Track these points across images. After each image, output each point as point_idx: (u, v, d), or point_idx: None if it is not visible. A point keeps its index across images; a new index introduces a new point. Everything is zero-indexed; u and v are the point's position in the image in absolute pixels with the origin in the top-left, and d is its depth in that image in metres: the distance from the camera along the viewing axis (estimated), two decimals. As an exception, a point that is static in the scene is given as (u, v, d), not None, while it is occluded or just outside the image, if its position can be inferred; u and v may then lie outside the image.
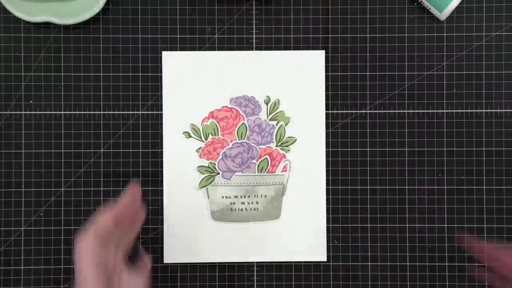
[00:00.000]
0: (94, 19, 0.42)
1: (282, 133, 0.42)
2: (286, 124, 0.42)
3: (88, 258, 0.34)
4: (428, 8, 0.42)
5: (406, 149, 0.43)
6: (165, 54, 0.42)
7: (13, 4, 0.41)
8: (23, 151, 0.43)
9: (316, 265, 0.43)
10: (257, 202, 0.43)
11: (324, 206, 0.43)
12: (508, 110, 0.44)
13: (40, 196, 0.43)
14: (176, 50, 0.42)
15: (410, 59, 0.43)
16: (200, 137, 0.42)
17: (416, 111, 0.44)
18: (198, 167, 0.42)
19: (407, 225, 0.43)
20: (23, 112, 0.43)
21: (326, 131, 0.42)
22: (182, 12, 0.43)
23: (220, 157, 0.42)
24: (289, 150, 0.43)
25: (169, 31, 0.43)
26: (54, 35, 0.43)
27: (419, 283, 0.43)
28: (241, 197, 0.43)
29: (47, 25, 0.42)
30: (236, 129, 0.42)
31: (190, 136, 0.42)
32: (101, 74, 0.43)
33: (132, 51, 0.43)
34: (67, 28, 0.43)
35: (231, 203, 0.43)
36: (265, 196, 0.43)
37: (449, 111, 0.44)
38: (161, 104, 0.43)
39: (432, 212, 0.43)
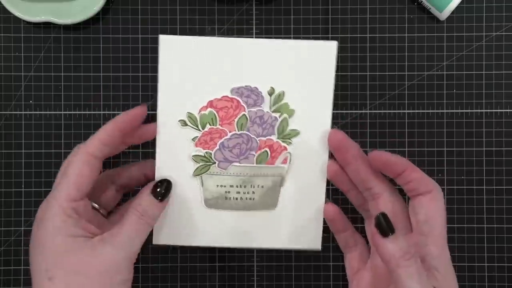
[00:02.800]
0: (94, 19, 0.42)
1: (285, 126, 0.40)
2: (289, 117, 0.40)
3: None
4: (428, 8, 0.42)
5: (406, 149, 0.43)
6: (162, 38, 0.39)
7: (13, 4, 0.41)
8: (23, 151, 0.43)
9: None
10: (253, 192, 0.41)
11: (323, 197, 0.41)
12: (508, 110, 0.44)
13: (40, 196, 0.43)
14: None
15: (410, 59, 0.43)
16: (197, 126, 0.40)
17: (416, 111, 0.44)
18: (193, 156, 0.40)
19: (407, 225, 0.43)
20: (23, 112, 0.43)
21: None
22: (182, 12, 0.43)
23: (217, 147, 0.40)
24: (290, 142, 0.40)
25: (169, 31, 0.43)
26: (54, 35, 0.43)
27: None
28: (237, 186, 0.41)
29: (47, 25, 0.42)
30: (236, 120, 0.40)
31: (186, 125, 0.40)
32: (101, 74, 0.43)
33: (132, 51, 0.43)
34: (67, 28, 0.43)
35: (226, 192, 0.41)
36: (262, 186, 0.41)
37: (449, 111, 0.44)
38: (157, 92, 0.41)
39: (432, 212, 0.43)
